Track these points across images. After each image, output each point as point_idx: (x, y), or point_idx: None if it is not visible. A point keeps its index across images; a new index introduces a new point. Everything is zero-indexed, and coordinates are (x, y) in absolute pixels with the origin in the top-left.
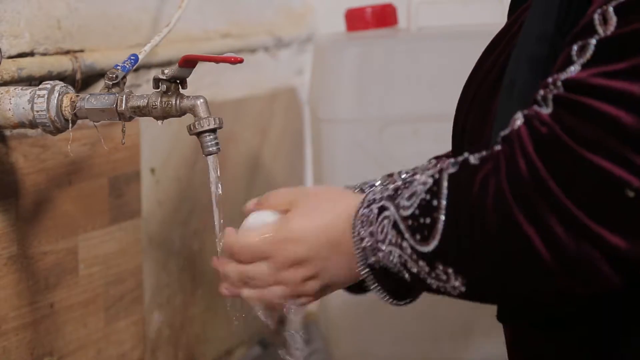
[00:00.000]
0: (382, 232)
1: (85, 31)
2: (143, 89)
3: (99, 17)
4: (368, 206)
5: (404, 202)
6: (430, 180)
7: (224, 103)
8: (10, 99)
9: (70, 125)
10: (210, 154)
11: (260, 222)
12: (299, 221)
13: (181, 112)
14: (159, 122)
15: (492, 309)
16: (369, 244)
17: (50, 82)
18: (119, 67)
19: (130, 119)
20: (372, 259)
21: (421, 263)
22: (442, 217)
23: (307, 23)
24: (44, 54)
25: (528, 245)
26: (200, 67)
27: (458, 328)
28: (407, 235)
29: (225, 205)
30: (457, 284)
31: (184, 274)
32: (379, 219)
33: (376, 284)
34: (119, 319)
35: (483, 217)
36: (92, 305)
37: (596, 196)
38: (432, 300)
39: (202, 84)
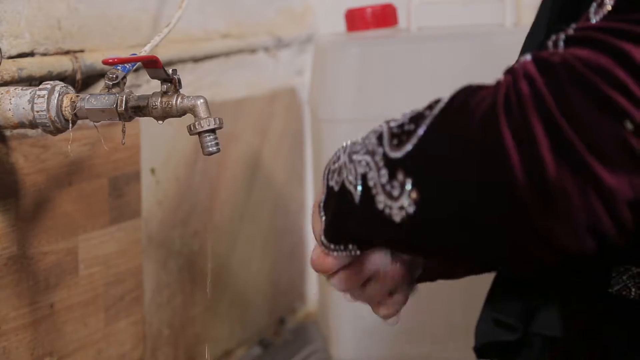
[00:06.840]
0: (362, 149)
1: (85, 31)
2: (143, 89)
3: (99, 17)
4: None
5: (397, 118)
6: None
7: (224, 103)
8: (10, 99)
9: (70, 125)
10: (211, 154)
11: None
12: None
13: (181, 112)
14: (159, 122)
15: None
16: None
17: (51, 82)
18: (119, 68)
19: (130, 119)
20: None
21: (383, 172)
22: (427, 122)
23: (307, 23)
24: (44, 54)
25: (503, 160)
26: (201, 67)
27: (458, 328)
28: (385, 141)
29: (225, 205)
30: (406, 202)
31: (184, 274)
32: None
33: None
34: (119, 319)
35: (466, 125)
36: (92, 305)
37: (594, 122)
38: (432, 300)
39: (202, 84)
